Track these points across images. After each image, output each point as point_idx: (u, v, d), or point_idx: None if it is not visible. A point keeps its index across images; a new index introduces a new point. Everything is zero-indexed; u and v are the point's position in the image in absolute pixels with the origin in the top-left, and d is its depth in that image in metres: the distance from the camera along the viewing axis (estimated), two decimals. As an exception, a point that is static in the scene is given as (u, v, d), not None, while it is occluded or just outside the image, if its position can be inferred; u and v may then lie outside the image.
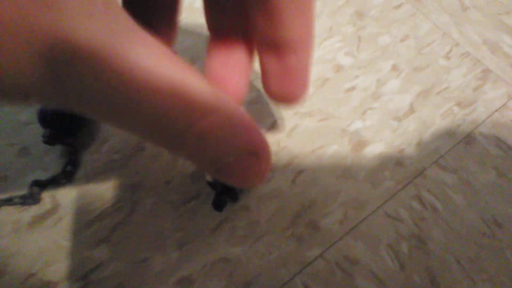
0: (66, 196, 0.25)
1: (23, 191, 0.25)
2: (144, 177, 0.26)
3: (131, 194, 0.25)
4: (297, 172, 0.26)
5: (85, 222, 0.25)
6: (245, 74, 0.19)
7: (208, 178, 0.24)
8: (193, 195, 0.26)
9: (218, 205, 0.23)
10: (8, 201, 0.24)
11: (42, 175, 0.26)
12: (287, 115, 0.28)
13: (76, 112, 0.11)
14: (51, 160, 0.27)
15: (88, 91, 0.10)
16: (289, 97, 0.18)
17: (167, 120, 0.11)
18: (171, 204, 0.25)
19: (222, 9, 0.17)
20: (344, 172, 0.26)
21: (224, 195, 0.24)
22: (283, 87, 0.17)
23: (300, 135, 0.28)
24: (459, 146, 0.28)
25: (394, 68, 0.31)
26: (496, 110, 0.29)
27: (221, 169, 0.14)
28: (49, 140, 0.25)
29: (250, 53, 0.19)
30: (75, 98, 0.10)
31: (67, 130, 0.26)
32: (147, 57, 0.10)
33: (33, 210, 0.25)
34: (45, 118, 0.25)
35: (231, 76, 0.19)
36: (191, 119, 0.12)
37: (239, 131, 0.13)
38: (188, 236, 0.24)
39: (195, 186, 0.26)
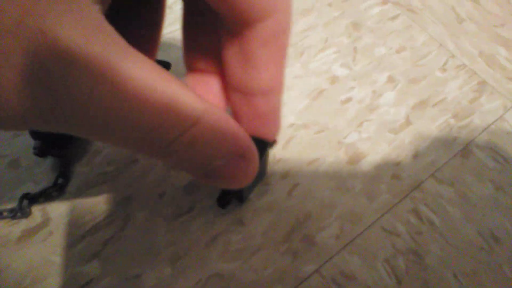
0: (57, 210, 0.25)
1: (13, 204, 0.25)
2: (136, 190, 0.26)
3: (124, 208, 0.25)
4: (293, 184, 0.26)
5: (76, 237, 0.24)
6: (222, 103, 0.19)
7: None
8: (187, 209, 0.25)
9: (223, 202, 0.23)
10: (-3, 215, 0.24)
11: (33, 188, 0.26)
12: (283, 127, 0.28)
13: (69, 133, 0.11)
14: (42, 172, 0.26)
15: (82, 106, 0.10)
16: (260, 137, 0.18)
17: (159, 131, 0.11)
18: (164, 218, 0.25)
19: (200, 52, 0.17)
20: (340, 184, 0.26)
21: (230, 193, 0.23)
22: (253, 129, 0.17)
23: (295, 147, 0.27)
24: (455, 158, 0.27)
25: (390, 79, 0.31)
26: (492, 123, 0.29)
27: (210, 173, 0.14)
28: (40, 152, 0.24)
29: (225, 91, 0.18)
30: (69, 117, 0.10)
31: (58, 142, 0.25)
32: (139, 70, 0.10)
33: (22, 224, 0.24)
34: (35, 129, 0.24)
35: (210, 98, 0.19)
36: (182, 127, 0.12)
37: (227, 135, 0.13)
38: (181, 251, 0.24)
39: (189, 199, 0.25)
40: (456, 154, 0.27)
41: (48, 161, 0.26)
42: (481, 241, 0.25)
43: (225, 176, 0.14)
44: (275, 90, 0.16)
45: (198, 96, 0.12)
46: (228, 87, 0.17)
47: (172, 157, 0.13)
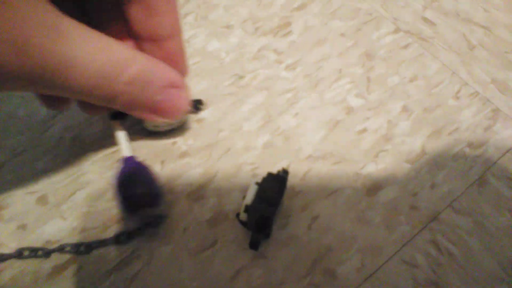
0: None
1: (42, 242, 0.26)
2: (161, 225, 0.26)
3: (149, 243, 0.26)
4: (313, 217, 0.27)
5: (104, 272, 0.25)
6: None
7: (242, 216, 0.24)
8: (211, 242, 0.26)
9: (255, 245, 0.24)
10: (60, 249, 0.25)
11: (60, 224, 0.26)
12: (300, 159, 0.29)
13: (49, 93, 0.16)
14: (70, 208, 0.27)
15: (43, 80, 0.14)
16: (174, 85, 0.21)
17: (102, 76, 0.16)
18: (188, 252, 0.26)
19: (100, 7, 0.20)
20: (359, 216, 0.27)
21: (260, 233, 0.24)
22: None
23: (313, 179, 0.28)
24: (472, 188, 0.28)
25: (405, 109, 0.31)
26: (507, 151, 0.29)
27: (154, 108, 0.19)
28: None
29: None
30: (46, 81, 0.14)
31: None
32: (80, 44, 0.15)
33: (54, 260, 0.25)
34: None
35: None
36: (119, 69, 0.16)
37: (157, 71, 0.18)
38: (206, 286, 0.24)
39: (212, 232, 0.26)
40: (473, 184, 0.28)
41: (76, 197, 0.27)
42: (501, 272, 0.25)
43: (167, 108, 0.20)
44: (176, 32, 0.20)
45: (129, 47, 0.18)
46: (139, 42, 0.21)
47: (122, 96, 0.17)
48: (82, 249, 0.25)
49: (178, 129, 0.30)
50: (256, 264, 0.25)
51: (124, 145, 0.26)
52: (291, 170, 0.28)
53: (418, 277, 0.25)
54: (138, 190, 0.24)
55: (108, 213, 0.27)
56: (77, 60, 0.14)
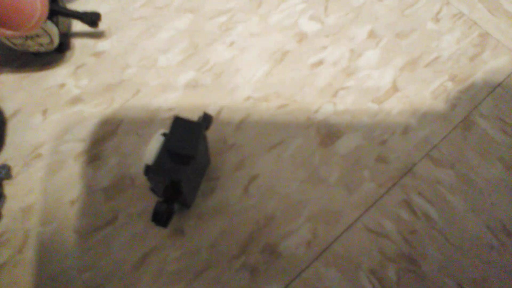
0: None
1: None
2: (37, 196, 0.19)
3: (22, 223, 0.18)
4: (250, 177, 0.20)
5: (-46, 266, 0.18)
6: None
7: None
8: (109, 219, 0.19)
9: (160, 218, 0.16)
10: None
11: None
12: (235, 102, 0.22)
13: None
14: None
15: None
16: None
17: None
18: (77, 233, 0.18)
19: None
20: (311, 174, 0.20)
21: (169, 203, 0.17)
22: None
23: (252, 128, 0.21)
24: (455, 132, 0.22)
25: (372, 34, 0.24)
26: (498, 84, 0.23)
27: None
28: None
29: None
30: None
31: None
32: None
33: None
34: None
35: None
36: None
37: None
38: (100, 277, 0.18)
39: (110, 205, 0.19)
40: (456, 127, 0.22)
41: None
42: (491, 237, 0.19)
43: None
44: None
45: None
46: None
47: None
48: None
49: (56, 56, 0.22)
50: (171, 245, 0.18)
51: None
52: (223, 116, 0.21)
53: (386, 250, 0.19)
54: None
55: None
56: None
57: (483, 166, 0.21)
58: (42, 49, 0.21)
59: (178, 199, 0.17)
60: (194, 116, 0.21)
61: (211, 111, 0.21)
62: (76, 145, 0.20)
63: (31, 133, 0.20)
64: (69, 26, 0.22)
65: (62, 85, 0.22)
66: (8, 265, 0.18)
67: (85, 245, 0.18)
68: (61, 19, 0.21)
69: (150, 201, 0.19)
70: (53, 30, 0.20)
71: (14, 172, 0.19)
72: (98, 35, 0.22)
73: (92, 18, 0.20)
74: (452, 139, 0.21)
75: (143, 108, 0.21)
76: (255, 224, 0.19)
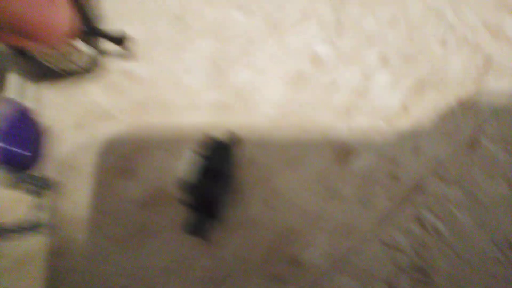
0: None
1: None
2: (69, 209, 0.20)
3: (62, 230, 0.20)
4: (270, 191, 0.21)
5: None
6: None
7: (181, 195, 0.18)
8: (138, 227, 0.20)
9: (194, 229, 0.17)
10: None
11: None
12: (255, 121, 0.23)
13: None
14: None
15: None
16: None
17: None
18: (109, 240, 0.20)
19: None
20: (327, 189, 0.22)
21: (203, 215, 0.18)
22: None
23: (272, 145, 0.22)
24: (461, 151, 0.23)
25: (382, 57, 0.26)
26: (501, 106, 0.25)
27: (20, 27, 0.16)
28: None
29: None
30: None
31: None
32: None
33: None
34: None
35: None
36: None
37: None
38: (134, 282, 0.19)
39: (140, 215, 0.20)
40: (462, 146, 0.23)
41: None
42: (496, 251, 0.21)
43: (36, 25, 0.16)
44: None
45: None
46: None
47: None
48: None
49: (88, 75, 0.23)
50: (198, 252, 0.20)
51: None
52: (244, 135, 0.22)
53: (399, 261, 0.20)
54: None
55: None
56: None
57: (488, 184, 0.22)
58: (74, 67, 0.22)
59: (210, 212, 0.18)
60: (217, 133, 0.22)
61: (233, 129, 0.23)
62: (107, 159, 0.21)
63: (65, 146, 0.21)
64: (100, 45, 0.23)
65: (93, 102, 0.23)
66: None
67: (119, 250, 0.19)
68: (93, 38, 0.22)
69: (178, 212, 0.20)
70: (85, 49, 0.21)
71: (51, 182, 0.21)
72: (129, 55, 0.24)
73: (120, 39, 0.22)
74: (458, 158, 0.23)
75: (170, 126, 0.23)
76: (276, 235, 0.20)
